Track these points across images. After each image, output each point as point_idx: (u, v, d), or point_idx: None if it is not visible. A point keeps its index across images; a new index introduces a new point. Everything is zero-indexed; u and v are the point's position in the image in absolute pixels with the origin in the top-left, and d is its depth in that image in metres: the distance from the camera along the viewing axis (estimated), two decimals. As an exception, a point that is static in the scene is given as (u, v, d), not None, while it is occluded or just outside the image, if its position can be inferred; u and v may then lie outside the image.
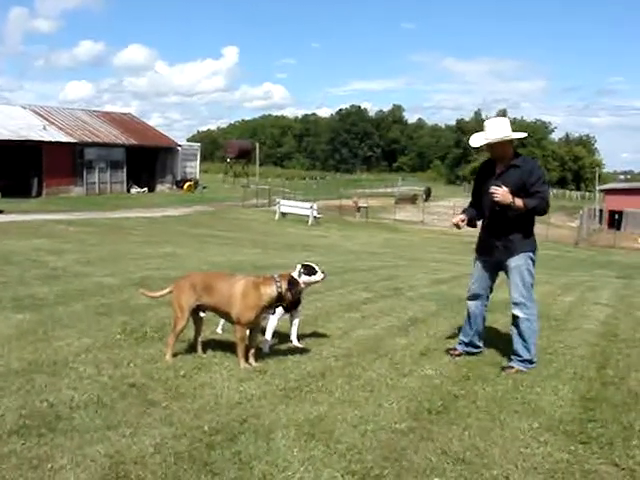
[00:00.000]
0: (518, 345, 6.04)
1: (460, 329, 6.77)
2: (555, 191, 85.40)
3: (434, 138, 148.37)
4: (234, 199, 52.96)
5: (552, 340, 7.23)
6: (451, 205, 51.16)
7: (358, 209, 50.72)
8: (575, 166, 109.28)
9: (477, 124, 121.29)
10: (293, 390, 5.12)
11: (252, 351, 5.80)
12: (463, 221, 6.17)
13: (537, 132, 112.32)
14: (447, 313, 8.87)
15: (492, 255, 6.08)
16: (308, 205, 43.63)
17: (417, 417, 4.68)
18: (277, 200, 46.45)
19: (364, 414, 4.66)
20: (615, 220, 57.49)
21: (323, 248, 25.80)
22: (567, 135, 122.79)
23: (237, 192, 57.93)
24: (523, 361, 6.02)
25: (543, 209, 5.86)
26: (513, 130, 5.92)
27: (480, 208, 6.18)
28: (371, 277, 13.05)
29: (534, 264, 6.06)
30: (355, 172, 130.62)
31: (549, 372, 5.98)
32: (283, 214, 43.54)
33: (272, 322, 6.38)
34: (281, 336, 6.73)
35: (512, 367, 6.00)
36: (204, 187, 61.04)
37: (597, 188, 70.21)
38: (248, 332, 5.76)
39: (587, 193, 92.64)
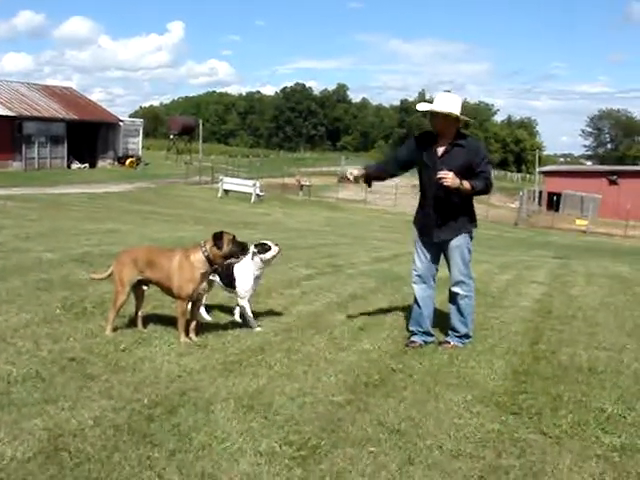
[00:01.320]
0: (456, 321, 6.17)
1: (405, 312, 6.91)
2: (496, 172, 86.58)
3: (378, 118, 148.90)
4: (177, 176, 52.53)
5: (488, 316, 7.43)
6: (393, 184, 51.49)
7: (301, 187, 50.76)
8: (517, 148, 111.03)
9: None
10: (233, 364, 5.17)
11: (193, 325, 5.83)
12: (357, 177, 6.25)
13: (480, 114, 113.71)
14: (386, 290, 9.01)
15: (435, 235, 6.01)
16: (251, 183, 43.55)
17: (354, 390, 4.78)
18: (220, 177, 46.16)
19: (302, 387, 4.74)
20: (554, 202, 58.67)
21: (265, 226, 25.80)
22: (509, 117, 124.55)
23: (180, 169, 57.47)
24: (460, 336, 6.16)
25: (488, 190, 5.94)
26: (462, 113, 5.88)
27: (393, 169, 6.33)
28: (312, 254, 13.12)
29: (472, 240, 6.16)
30: (299, 150, 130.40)
31: (484, 347, 6.15)
32: (226, 191, 43.36)
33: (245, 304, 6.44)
34: (223, 310, 6.80)
35: (449, 342, 6.15)
36: (146, 163, 60.38)
37: (537, 170, 71.37)
38: (190, 306, 5.80)
39: (527, 175, 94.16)
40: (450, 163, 5.76)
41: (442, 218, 5.95)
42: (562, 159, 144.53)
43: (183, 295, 5.69)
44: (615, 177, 61.69)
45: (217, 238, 5.69)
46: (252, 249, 6.22)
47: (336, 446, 3.80)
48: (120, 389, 4.45)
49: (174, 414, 4.08)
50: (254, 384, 4.73)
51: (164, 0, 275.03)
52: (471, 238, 6.11)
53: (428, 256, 6.16)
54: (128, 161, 57.27)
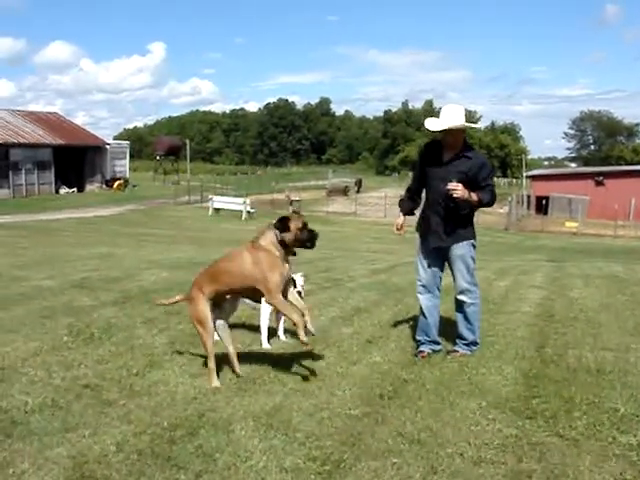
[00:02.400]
0: (463, 329, 6.23)
1: (410, 322, 6.99)
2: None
3: (362, 130, 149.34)
4: (165, 196, 52.45)
5: (492, 323, 7.47)
6: (382, 196, 51.65)
7: (291, 202, 50.78)
8: (501, 153, 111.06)
9: (405, 114, 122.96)
10: (246, 383, 5.20)
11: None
12: (402, 227, 6.35)
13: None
14: (388, 302, 9.05)
15: (437, 243, 6.10)
16: (241, 200, 43.61)
17: (370, 402, 4.82)
18: (210, 196, 46.18)
19: (318, 402, 4.78)
20: (542, 205, 58.89)
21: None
22: (493, 123, 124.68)
23: (168, 190, 57.40)
24: (468, 344, 6.21)
25: (493, 202, 6.07)
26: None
27: (420, 191, 6.30)
28: (309, 269, 13.08)
29: (475, 249, 6.24)
30: (285, 166, 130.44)
31: (492, 354, 6.20)
32: (216, 210, 43.39)
33: (264, 318, 6.46)
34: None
35: (457, 351, 6.19)
36: (134, 185, 60.34)
37: (524, 174, 71.70)
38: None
39: (514, 180, 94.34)
40: (453, 171, 5.86)
41: (443, 225, 6.05)
42: (546, 162, 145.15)
43: (272, 286, 5.13)
44: (601, 178, 61.96)
45: (282, 221, 5.25)
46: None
47: (359, 459, 3.84)
48: (138, 413, 4.48)
49: (195, 436, 4.11)
50: (270, 402, 4.76)
51: (145, 22, 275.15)
52: (474, 247, 6.19)
53: (432, 265, 6.23)
54: (116, 184, 57.22)
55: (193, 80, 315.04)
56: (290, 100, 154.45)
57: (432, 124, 6.02)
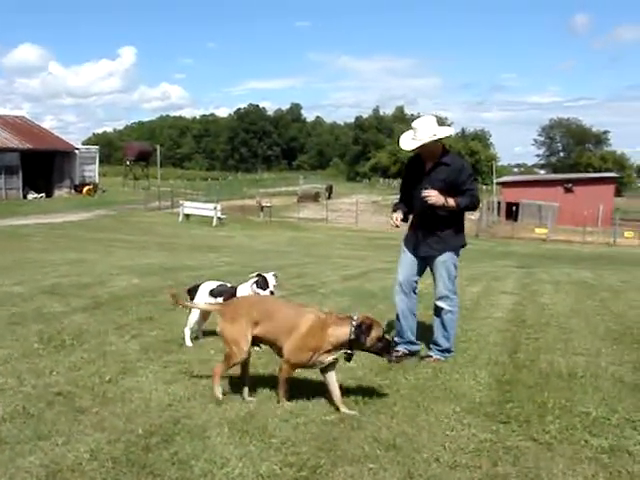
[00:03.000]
0: (439, 335, 6.27)
1: (385, 329, 6.96)
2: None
3: (333, 136, 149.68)
4: (136, 202, 52.11)
5: (465, 329, 7.50)
6: (353, 202, 51.77)
7: (262, 208, 50.73)
8: (472, 160, 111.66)
9: (376, 121, 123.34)
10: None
11: (338, 394, 4.95)
12: (400, 219, 6.19)
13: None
14: (361, 308, 9.02)
15: (422, 250, 6.16)
16: (212, 206, 43.45)
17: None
18: (180, 202, 45.97)
19: (293, 409, 4.76)
20: (512, 212, 59.43)
21: (229, 248, 25.75)
22: (463, 130, 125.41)
23: (138, 195, 57.00)
24: (442, 351, 6.26)
25: (474, 206, 6.13)
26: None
27: (409, 203, 6.26)
28: (281, 275, 13.02)
29: (458, 257, 6.29)
30: (256, 171, 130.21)
31: (465, 359, 6.24)
32: (187, 216, 43.18)
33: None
34: (205, 335, 6.82)
35: (431, 356, 6.24)
36: (104, 191, 59.91)
37: (494, 181, 72.31)
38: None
39: (484, 186, 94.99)
40: (434, 180, 5.92)
41: (427, 234, 6.11)
42: (516, 169, 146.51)
43: (294, 361, 4.94)
44: (570, 185, 62.82)
45: (363, 327, 4.86)
46: (253, 278, 6.34)
47: (335, 465, 3.83)
48: (112, 421, 4.43)
49: (170, 443, 4.07)
50: (245, 408, 4.74)
51: (115, 25, 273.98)
52: (457, 254, 6.24)
53: (411, 268, 6.29)
54: (85, 189, 56.78)
55: (163, 85, 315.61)
56: (261, 106, 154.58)
57: (406, 143, 6.02)
